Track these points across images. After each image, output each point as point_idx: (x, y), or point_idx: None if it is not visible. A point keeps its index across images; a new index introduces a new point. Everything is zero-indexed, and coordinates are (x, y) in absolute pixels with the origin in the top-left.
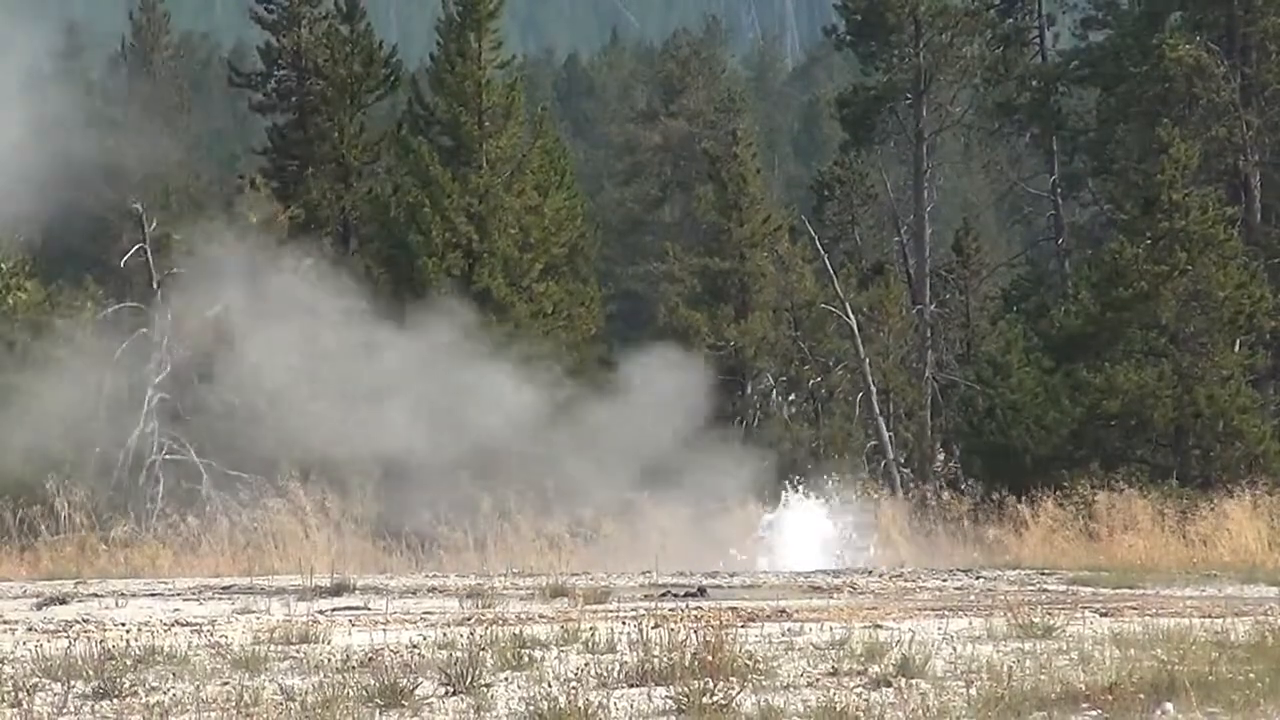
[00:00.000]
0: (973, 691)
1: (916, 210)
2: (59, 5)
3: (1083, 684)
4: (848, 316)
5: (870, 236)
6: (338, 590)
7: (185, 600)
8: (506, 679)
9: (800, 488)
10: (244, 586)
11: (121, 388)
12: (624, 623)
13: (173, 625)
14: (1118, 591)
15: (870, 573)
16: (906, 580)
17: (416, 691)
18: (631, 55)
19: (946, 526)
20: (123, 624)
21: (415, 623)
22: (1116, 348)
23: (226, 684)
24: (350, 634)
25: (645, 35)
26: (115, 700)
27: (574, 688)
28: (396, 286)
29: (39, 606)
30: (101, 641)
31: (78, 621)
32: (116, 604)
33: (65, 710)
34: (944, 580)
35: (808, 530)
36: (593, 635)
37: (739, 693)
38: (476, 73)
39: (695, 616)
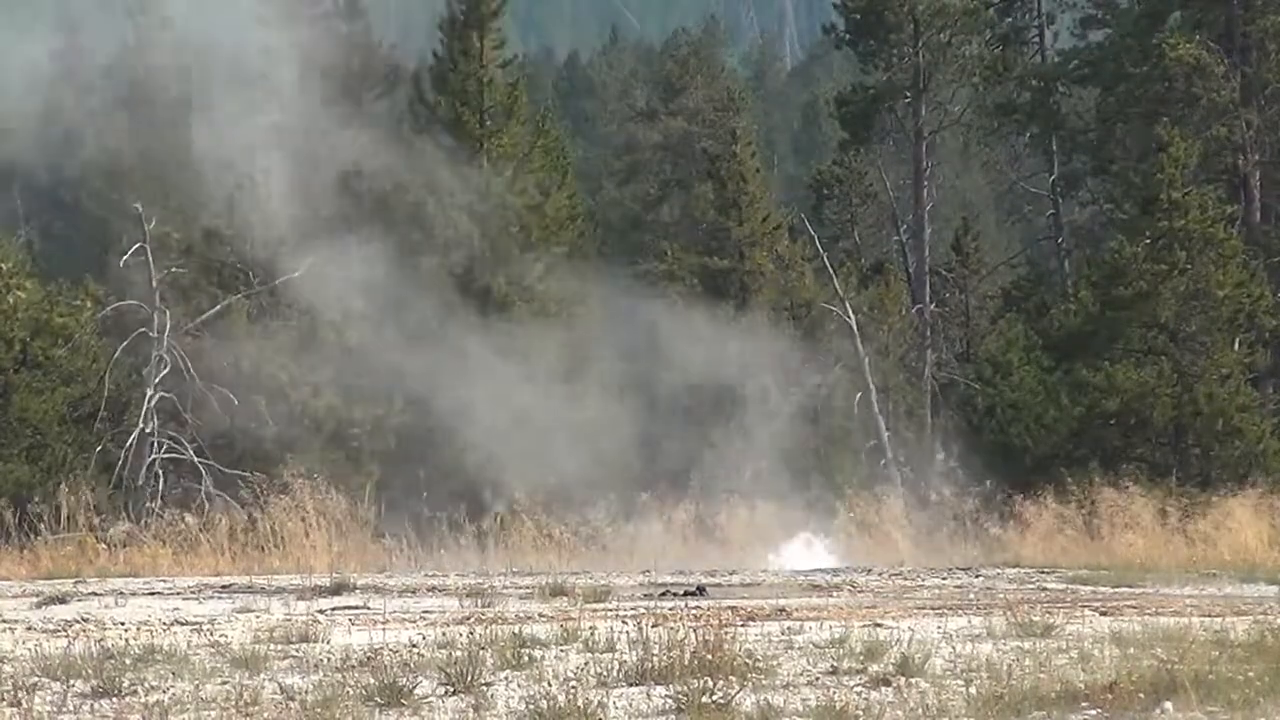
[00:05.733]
0: (972, 690)
1: (916, 209)
2: (59, 5)
3: (1082, 683)
4: (847, 315)
5: (869, 235)
6: (337, 589)
7: (185, 599)
8: (506, 678)
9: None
10: (244, 586)
11: (121, 388)
12: (624, 622)
13: (172, 624)
14: (1117, 590)
15: (870, 571)
16: (906, 579)
17: (416, 691)
18: (631, 55)
19: (946, 525)
20: (122, 623)
21: (415, 622)
22: (1116, 347)
23: (226, 683)
24: (350, 633)
25: (645, 35)
26: (115, 699)
27: (573, 687)
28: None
29: (38, 606)
30: (101, 640)
31: (77, 620)
32: (116, 603)
33: (65, 709)
34: (943, 579)
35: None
36: (592, 634)
37: (738, 692)
38: (479, 72)
39: (695, 615)
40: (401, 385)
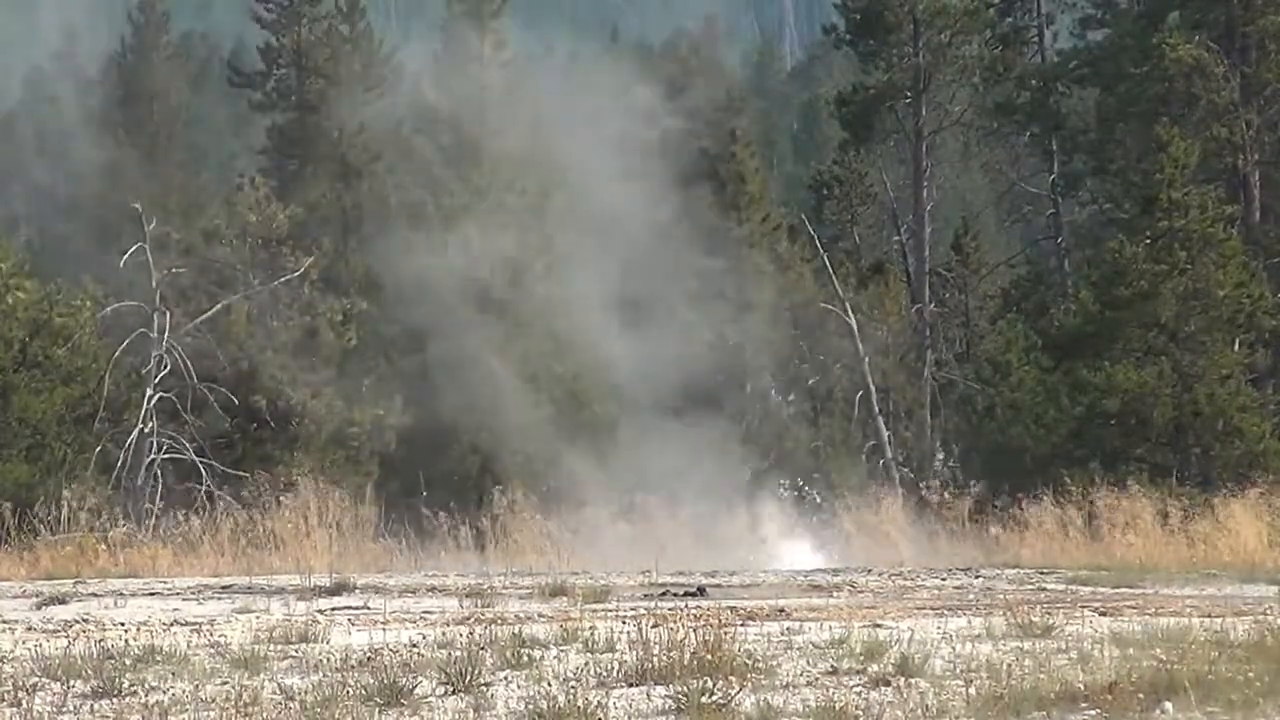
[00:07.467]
0: (972, 691)
1: (916, 209)
2: (57, 5)
3: (1082, 683)
4: (847, 316)
5: (869, 235)
6: (337, 589)
7: (184, 600)
8: (506, 678)
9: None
10: (243, 586)
11: (121, 388)
12: (623, 622)
13: (172, 625)
14: (1117, 590)
15: (870, 571)
16: (906, 579)
17: (416, 691)
18: (631, 55)
19: (946, 525)
20: (122, 623)
21: (415, 622)
22: (1116, 347)
23: (226, 683)
24: (350, 633)
25: (645, 35)
26: (115, 700)
27: (573, 687)
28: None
29: (38, 606)
30: (101, 641)
31: (77, 621)
32: (116, 604)
33: (65, 710)
34: (943, 579)
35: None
36: (592, 634)
37: (738, 692)
38: (479, 72)
39: (694, 615)
40: (402, 385)
